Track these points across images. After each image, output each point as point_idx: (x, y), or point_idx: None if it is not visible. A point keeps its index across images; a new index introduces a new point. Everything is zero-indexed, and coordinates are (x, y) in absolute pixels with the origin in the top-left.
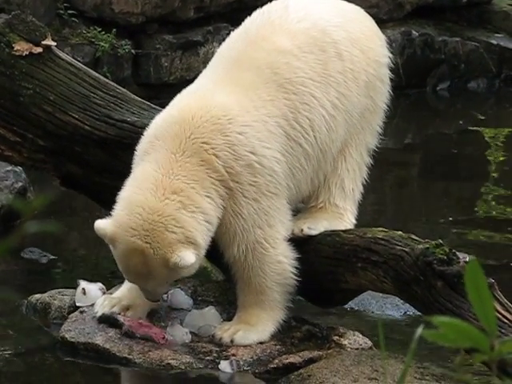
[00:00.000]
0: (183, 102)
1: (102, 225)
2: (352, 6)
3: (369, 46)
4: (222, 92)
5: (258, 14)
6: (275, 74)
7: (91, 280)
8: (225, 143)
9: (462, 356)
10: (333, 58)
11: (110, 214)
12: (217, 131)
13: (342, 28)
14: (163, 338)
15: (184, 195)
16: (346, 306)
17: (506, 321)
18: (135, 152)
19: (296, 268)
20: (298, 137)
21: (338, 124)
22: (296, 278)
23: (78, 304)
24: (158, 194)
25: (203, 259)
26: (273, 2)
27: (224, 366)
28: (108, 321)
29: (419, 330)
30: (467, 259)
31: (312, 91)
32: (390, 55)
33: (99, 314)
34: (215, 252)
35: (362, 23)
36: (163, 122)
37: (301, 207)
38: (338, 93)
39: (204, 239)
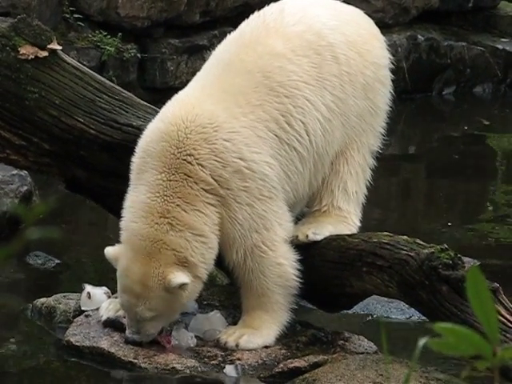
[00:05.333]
0: (170, 113)
1: (110, 249)
2: (350, 8)
3: (366, 49)
4: (209, 99)
5: (253, 17)
6: (267, 77)
7: (96, 284)
8: (210, 151)
9: (468, 370)
10: (328, 62)
11: (109, 235)
12: (202, 140)
13: (338, 31)
14: (169, 341)
15: (170, 216)
16: (351, 311)
17: (510, 325)
18: (132, 163)
19: (298, 270)
20: (291, 140)
21: (334, 127)
22: (298, 279)
23: (83, 308)
24: (149, 220)
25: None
26: (270, 5)
27: (229, 370)
28: (113, 325)
29: (423, 340)
30: (472, 264)
31: (306, 94)
32: (391, 56)
33: (104, 317)
34: (219, 257)
35: (360, 25)
36: (152, 137)
37: (305, 211)
38: (334, 96)
39: (198, 255)
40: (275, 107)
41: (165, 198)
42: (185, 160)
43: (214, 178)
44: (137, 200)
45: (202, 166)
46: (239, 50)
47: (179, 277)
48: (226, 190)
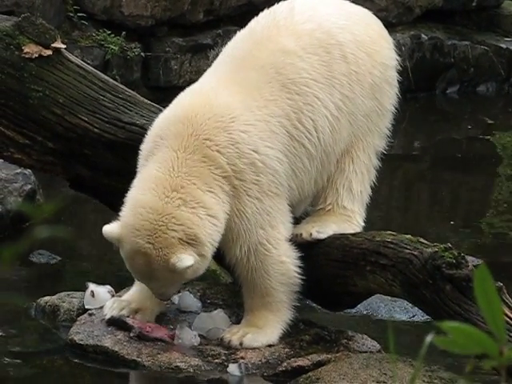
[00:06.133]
0: (187, 101)
1: (109, 228)
2: (359, 8)
3: (375, 49)
4: (225, 91)
5: (263, 15)
6: (279, 74)
7: (100, 282)
8: (228, 140)
9: (472, 364)
10: (337, 60)
11: (117, 217)
12: (220, 129)
13: (348, 30)
14: (173, 337)
15: (184, 192)
16: (354, 310)
17: None
18: (140, 152)
19: (300, 267)
20: (301, 137)
21: (342, 126)
22: (300, 277)
23: (86, 306)
24: (159, 192)
25: (211, 260)
26: (279, 3)
27: (233, 369)
28: (117, 323)
29: (429, 337)
30: (476, 263)
31: (315, 92)
32: (398, 58)
33: (108, 316)
34: (221, 254)
35: (369, 26)
36: (167, 121)
37: (310, 210)
38: (342, 95)
39: (208, 234)
40: (287, 103)
41: (179, 174)
42: (204, 143)
43: (230, 167)
44: (146, 175)
45: (221, 153)
46: (251, 47)
47: (183, 260)
48: (239, 181)
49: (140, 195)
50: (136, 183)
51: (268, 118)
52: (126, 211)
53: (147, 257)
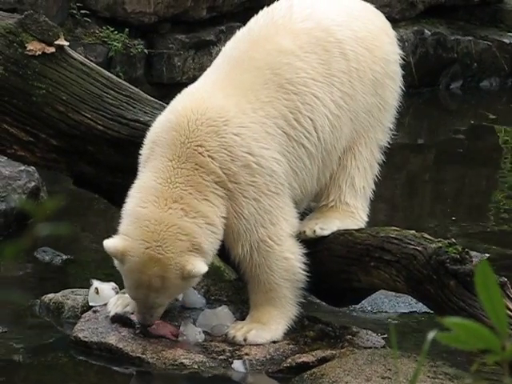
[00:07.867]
0: (181, 105)
1: (111, 243)
2: (360, 2)
3: (376, 44)
4: (219, 94)
5: (262, 14)
6: (276, 74)
7: (104, 280)
8: (220, 145)
9: (477, 363)
10: (336, 58)
11: (116, 231)
12: (212, 133)
13: (347, 27)
14: (177, 335)
15: (184, 202)
16: (359, 305)
17: None
18: (139, 156)
19: (305, 264)
20: (299, 137)
21: (343, 123)
22: (305, 273)
23: (91, 303)
24: (161, 204)
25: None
26: (279, 1)
27: (237, 365)
28: (121, 320)
29: (432, 334)
30: (480, 258)
31: (314, 91)
32: (401, 52)
33: (112, 313)
34: (223, 251)
35: (370, 21)
36: (162, 128)
37: (313, 206)
38: (342, 92)
39: (209, 243)
40: (284, 104)
41: (177, 184)
42: (195, 150)
43: (222, 171)
44: (144, 185)
45: (213, 158)
46: (248, 47)
47: (198, 266)
48: (233, 184)
49: (141, 208)
50: (134, 194)
51: (263, 120)
52: (128, 225)
53: (160, 267)
